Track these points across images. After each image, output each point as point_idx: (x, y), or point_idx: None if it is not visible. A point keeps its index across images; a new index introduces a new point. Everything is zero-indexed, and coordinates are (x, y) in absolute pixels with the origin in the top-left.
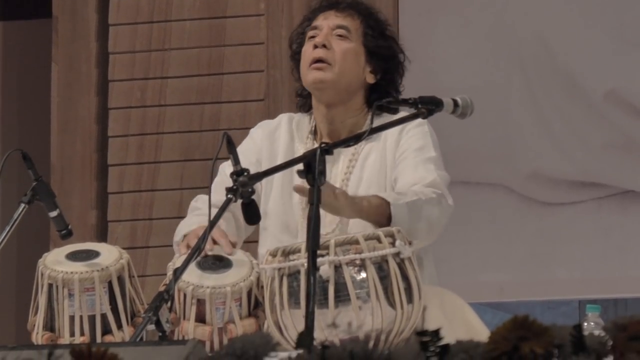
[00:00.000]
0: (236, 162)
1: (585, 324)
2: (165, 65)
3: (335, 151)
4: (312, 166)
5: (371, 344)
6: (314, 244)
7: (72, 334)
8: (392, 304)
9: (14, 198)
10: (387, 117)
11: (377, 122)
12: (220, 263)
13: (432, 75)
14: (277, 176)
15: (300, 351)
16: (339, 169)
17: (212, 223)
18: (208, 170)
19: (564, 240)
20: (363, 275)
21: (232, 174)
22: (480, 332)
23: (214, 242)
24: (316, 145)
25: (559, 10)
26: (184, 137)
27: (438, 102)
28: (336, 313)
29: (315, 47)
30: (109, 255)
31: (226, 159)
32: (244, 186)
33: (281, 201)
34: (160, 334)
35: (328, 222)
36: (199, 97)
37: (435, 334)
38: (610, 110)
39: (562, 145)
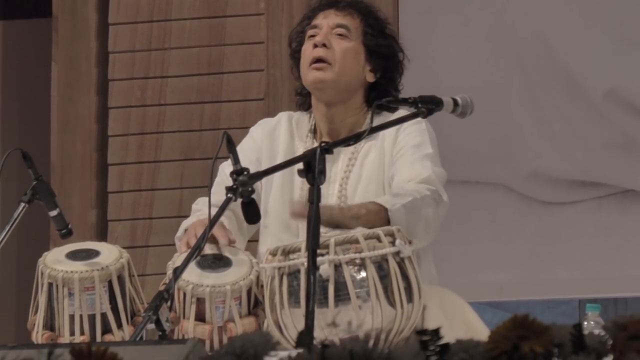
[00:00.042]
0: (236, 161)
1: (585, 323)
2: (165, 65)
3: (335, 150)
4: (312, 165)
5: (371, 343)
6: (314, 243)
7: (72, 333)
8: (392, 303)
9: (14, 197)
10: (386, 116)
11: (377, 120)
12: (219, 262)
13: (432, 75)
14: (277, 175)
15: (300, 350)
16: (339, 168)
17: (212, 222)
18: (208, 169)
19: (564, 239)
20: (363, 274)
21: (232, 173)
22: (480, 332)
23: (214, 239)
24: (316, 144)
25: (559, 10)
26: (184, 136)
27: (438, 101)
28: (336, 312)
29: (315, 46)
30: (109, 254)
31: (226, 158)
32: (244, 185)
33: (281, 200)
34: (160, 333)
35: None
36: (199, 96)
37: (435, 333)
38: (610, 110)
39: (562, 144)
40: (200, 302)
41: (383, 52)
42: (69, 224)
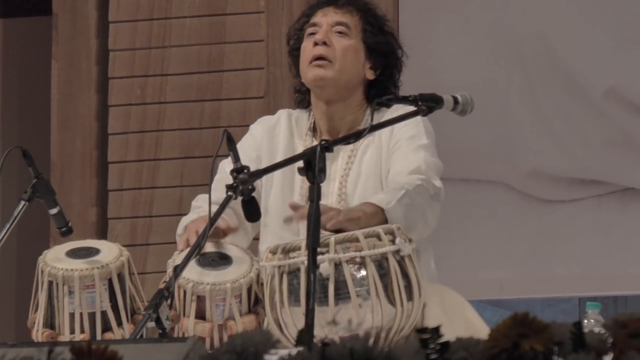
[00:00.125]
0: (236, 159)
1: (585, 321)
2: (165, 63)
3: (335, 148)
4: (312, 163)
5: (371, 341)
6: (314, 241)
7: (72, 331)
8: (392, 301)
9: (14, 195)
10: (385, 112)
11: (375, 117)
12: (220, 260)
13: (432, 73)
14: (278, 173)
15: (300, 349)
16: (338, 166)
17: (212, 220)
18: (208, 167)
19: (564, 237)
20: (363, 272)
21: (232, 171)
22: (480, 330)
23: (215, 234)
24: (315, 141)
25: (559, 9)
26: (184, 134)
27: (438, 99)
28: (336, 311)
29: (316, 44)
30: (109, 252)
31: (226, 156)
32: (244, 183)
33: (281, 198)
34: (160, 331)
35: None
36: (199, 94)
37: (435, 331)
38: (610, 108)
39: (562, 142)
40: (200, 300)
41: (382, 50)
42: (69, 222)
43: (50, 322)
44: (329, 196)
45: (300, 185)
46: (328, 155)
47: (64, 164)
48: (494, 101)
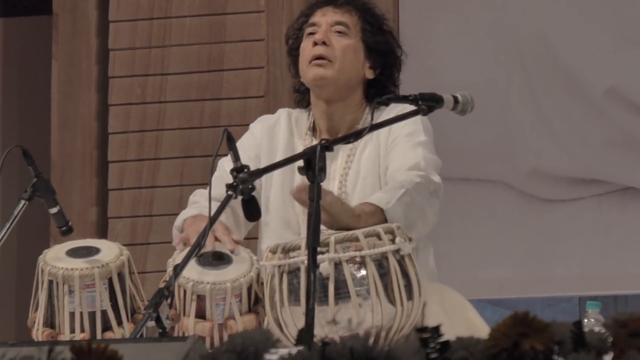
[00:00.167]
0: (236, 158)
1: (586, 320)
2: (165, 62)
3: (334, 147)
4: (313, 163)
5: (371, 340)
6: (314, 241)
7: (72, 331)
8: (392, 300)
9: (14, 195)
10: (383, 111)
11: (375, 116)
12: (220, 259)
13: (432, 73)
14: (277, 172)
15: (301, 348)
16: (338, 165)
17: (213, 219)
18: (208, 166)
19: (564, 237)
20: (363, 272)
21: (232, 171)
22: (481, 329)
23: (216, 239)
24: (315, 141)
25: (559, 8)
26: (184, 133)
27: (438, 98)
28: (336, 310)
29: (315, 44)
30: (109, 251)
31: (226, 155)
32: (244, 183)
33: (281, 197)
34: (160, 330)
35: None
36: (199, 93)
37: (436, 330)
38: (610, 108)
39: (562, 142)
40: (200, 299)
41: (382, 49)
42: (69, 221)
43: (50, 322)
44: None
45: (299, 183)
46: (327, 154)
47: (64, 163)
48: (494, 101)
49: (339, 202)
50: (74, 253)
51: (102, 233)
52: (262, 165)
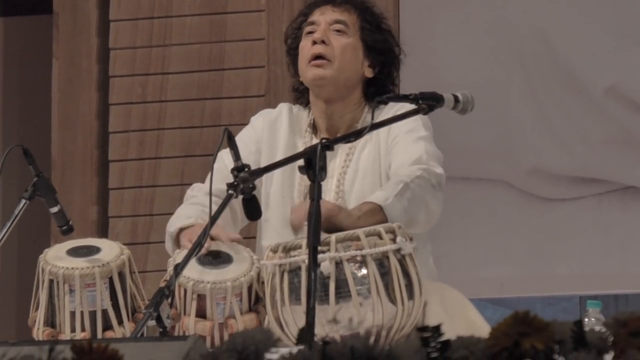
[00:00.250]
0: (237, 157)
1: (586, 319)
2: (166, 61)
3: (334, 146)
4: (313, 162)
5: (372, 340)
6: (314, 240)
7: (72, 330)
8: (393, 300)
9: (15, 194)
10: (382, 110)
11: (374, 115)
12: (220, 258)
13: (432, 71)
14: (278, 170)
15: (301, 347)
16: (337, 163)
17: (213, 219)
18: (209, 165)
19: (564, 236)
20: (364, 271)
21: (232, 170)
22: (481, 328)
23: (212, 238)
24: (315, 139)
25: (559, 7)
26: (185, 132)
27: (439, 97)
28: (337, 309)
29: (314, 43)
30: (110, 251)
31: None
32: (245, 182)
33: (281, 194)
34: (161, 329)
35: None
36: (199, 92)
37: (436, 330)
38: (611, 106)
39: (563, 141)
40: (201, 298)
41: (381, 47)
42: (69, 220)
43: (51, 321)
44: (327, 193)
45: (298, 182)
46: (328, 153)
47: (65, 162)
48: (495, 99)
49: (337, 209)
50: (74, 252)
51: (103, 232)
52: (263, 158)
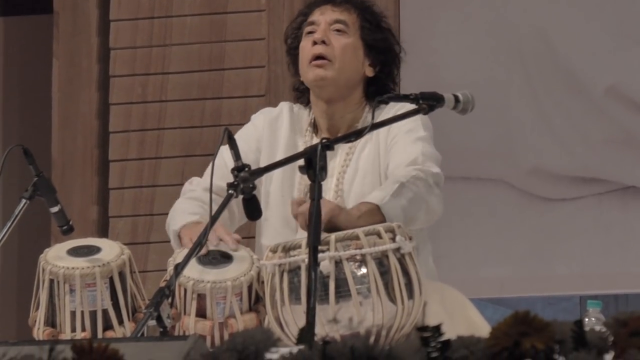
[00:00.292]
0: (237, 157)
1: (586, 319)
2: (166, 61)
3: (335, 146)
4: (313, 162)
5: (372, 339)
6: (314, 239)
7: (73, 330)
8: (392, 299)
9: (15, 193)
10: (383, 110)
11: (375, 114)
12: (220, 258)
13: (433, 71)
14: (278, 169)
15: (301, 347)
16: (337, 162)
17: (214, 219)
18: (209, 165)
19: (564, 235)
20: (364, 270)
21: (233, 170)
22: (481, 328)
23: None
24: (315, 139)
25: (559, 7)
26: (185, 132)
27: (439, 97)
28: (337, 309)
29: (315, 43)
30: (110, 250)
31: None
32: (245, 182)
33: (280, 193)
34: (161, 329)
35: None
36: (200, 92)
37: (436, 329)
38: (611, 106)
39: (563, 140)
40: (201, 298)
41: (381, 46)
42: (69, 220)
43: (51, 321)
44: (326, 192)
45: (298, 181)
46: (327, 152)
47: (65, 162)
48: (495, 99)
49: (338, 209)
50: (74, 252)
51: (103, 232)
52: (263, 157)
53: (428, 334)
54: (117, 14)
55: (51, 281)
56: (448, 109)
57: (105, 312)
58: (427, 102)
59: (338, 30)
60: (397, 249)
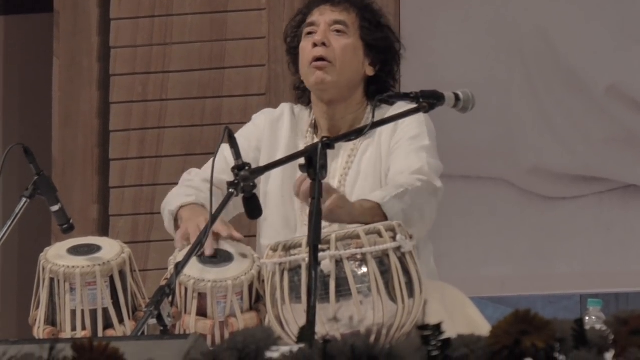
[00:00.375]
0: (237, 156)
1: (587, 318)
2: (166, 60)
3: (336, 146)
4: (314, 160)
5: (372, 338)
6: (315, 238)
7: (73, 328)
8: (393, 298)
9: (16, 192)
10: (385, 109)
11: (378, 114)
12: (221, 257)
13: (433, 70)
14: (278, 169)
15: (302, 346)
16: (338, 164)
17: (214, 218)
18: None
19: (565, 234)
20: (364, 269)
21: (233, 168)
22: (482, 327)
23: (217, 235)
24: (316, 139)
25: (560, 5)
26: (186, 131)
27: (439, 96)
28: (337, 307)
29: (315, 45)
30: (111, 249)
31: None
32: (246, 180)
33: (280, 194)
34: (161, 328)
35: None
36: (200, 91)
37: (437, 328)
38: (612, 105)
39: (564, 139)
40: (201, 297)
41: (381, 45)
42: (70, 219)
43: (51, 319)
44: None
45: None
46: (329, 153)
47: (66, 161)
48: (495, 98)
49: (342, 202)
50: (75, 251)
51: (104, 231)
52: (262, 157)
53: (428, 332)
54: (117, 13)
55: (51, 280)
56: (448, 107)
57: (105, 311)
58: (428, 101)
59: (338, 31)
60: (398, 248)
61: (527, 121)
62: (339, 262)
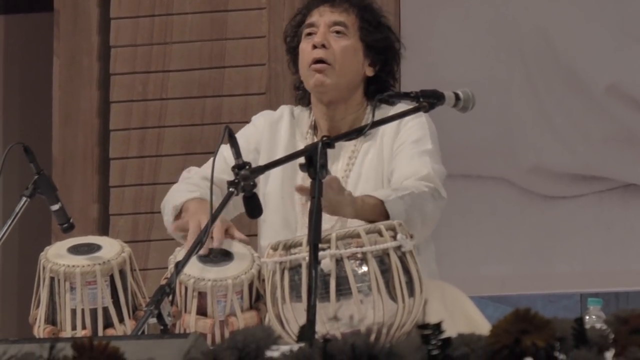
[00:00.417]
0: (237, 155)
1: (587, 317)
2: (166, 59)
3: (337, 148)
4: (314, 159)
5: (373, 337)
6: (315, 237)
7: (73, 328)
8: (393, 297)
9: (16, 191)
10: (386, 109)
11: (377, 114)
12: (221, 256)
13: (433, 70)
14: (277, 169)
15: (302, 345)
16: (339, 166)
17: (214, 217)
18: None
19: (565, 233)
20: (364, 268)
21: (233, 168)
22: (482, 326)
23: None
24: (316, 140)
25: (560, 5)
26: (186, 130)
27: (439, 95)
28: (338, 306)
29: (315, 47)
30: (111, 248)
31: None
32: (246, 180)
33: (280, 194)
34: (161, 327)
35: (328, 217)
36: (200, 90)
37: (437, 327)
38: (612, 104)
39: (564, 138)
40: (201, 296)
41: (381, 46)
42: (70, 218)
43: (52, 318)
44: None
45: (300, 183)
46: (330, 155)
47: (66, 160)
48: (495, 97)
49: (346, 200)
50: (75, 250)
51: (104, 230)
52: (261, 158)
53: (429, 331)
54: (117, 12)
55: (52, 279)
56: (448, 106)
57: (105, 310)
58: (428, 100)
59: (337, 32)
60: (398, 247)
61: (527, 120)
62: (339, 261)
